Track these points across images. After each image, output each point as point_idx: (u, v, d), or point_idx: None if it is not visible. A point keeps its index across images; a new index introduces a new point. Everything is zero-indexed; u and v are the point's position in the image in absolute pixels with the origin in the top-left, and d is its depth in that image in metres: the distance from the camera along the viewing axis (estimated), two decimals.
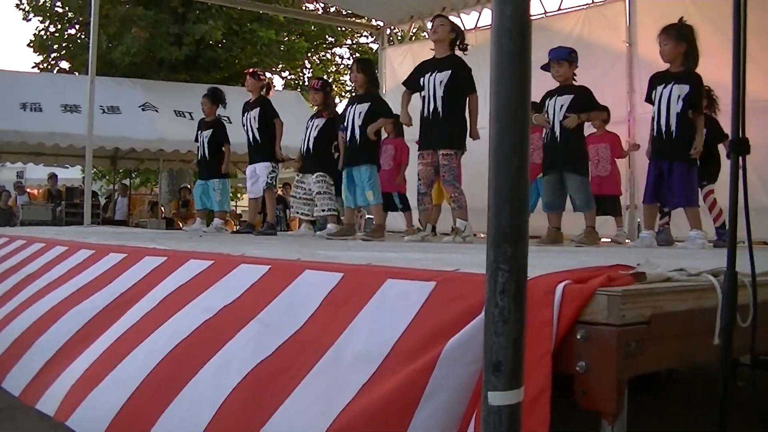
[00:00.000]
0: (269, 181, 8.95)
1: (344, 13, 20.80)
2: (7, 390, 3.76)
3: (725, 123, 7.99)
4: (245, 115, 9.14)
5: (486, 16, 12.02)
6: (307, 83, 28.32)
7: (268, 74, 24.08)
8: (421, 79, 6.90)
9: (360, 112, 7.47)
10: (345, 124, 7.63)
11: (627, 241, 8.59)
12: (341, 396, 2.33)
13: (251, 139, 9.05)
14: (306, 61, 27.98)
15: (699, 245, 6.01)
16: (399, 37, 13.94)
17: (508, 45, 1.63)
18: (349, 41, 29.41)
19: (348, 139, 7.56)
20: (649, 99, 6.57)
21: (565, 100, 6.81)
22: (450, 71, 6.73)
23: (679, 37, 6.23)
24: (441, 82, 6.72)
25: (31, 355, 3.81)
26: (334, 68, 30.27)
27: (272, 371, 2.60)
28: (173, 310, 3.33)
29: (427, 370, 2.19)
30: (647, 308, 2.17)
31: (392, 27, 13.93)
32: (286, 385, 2.50)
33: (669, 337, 2.26)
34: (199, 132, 9.86)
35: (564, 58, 6.89)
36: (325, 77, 8.66)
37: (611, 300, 2.09)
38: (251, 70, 9.52)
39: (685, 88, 6.16)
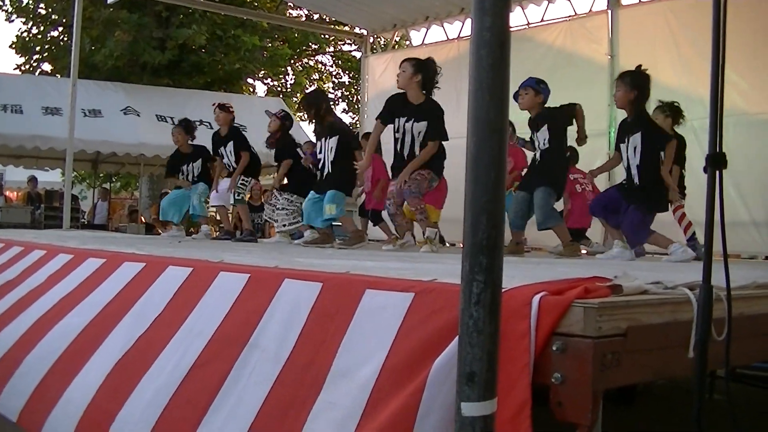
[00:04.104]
0: (237, 197, 9.03)
1: (328, 20, 20.81)
2: (2, 414, 3.63)
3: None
4: (219, 147, 9.19)
5: (470, 26, 12.02)
6: (289, 89, 28.33)
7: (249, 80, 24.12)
8: (396, 120, 6.86)
9: (331, 147, 7.62)
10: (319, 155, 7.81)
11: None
12: (346, 427, 2.34)
13: (228, 165, 9.16)
14: (289, 68, 27.94)
15: (679, 257, 6.02)
16: (382, 45, 13.93)
17: (487, 56, 1.63)
18: (332, 49, 29.42)
19: (321, 167, 7.74)
20: (617, 146, 6.63)
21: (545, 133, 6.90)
22: (427, 122, 6.73)
23: (632, 85, 6.26)
24: (419, 132, 6.74)
25: (22, 374, 3.71)
26: (317, 75, 30.27)
27: (280, 406, 2.58)
28: (167, 333, 3.27)
29: (418, 393, 2.20)
30: (623, 320, 2.18)
31: (375, 35, 13.93)
32: (295, 421, 2.48)
33: (645, 349, 2.26)
34: (186, 166, 9.84)
35: (530, 85, 6.90)
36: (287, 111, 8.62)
37: (587, 312, 2.09)
38: (219, 103, 9.48)
39: (637, 139, 6.19)
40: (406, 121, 6.78)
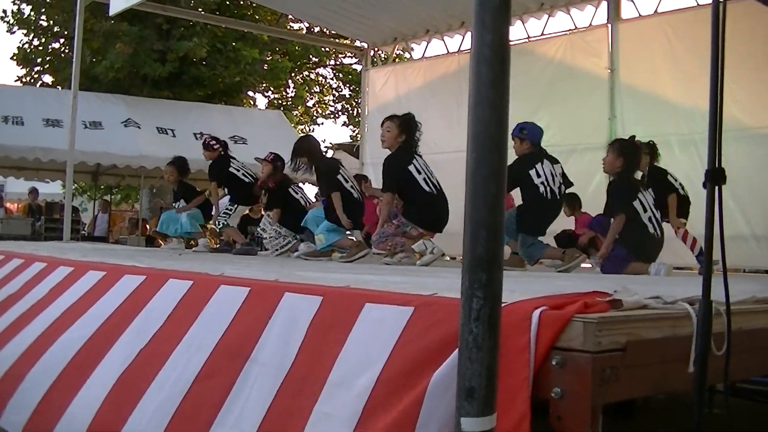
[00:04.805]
0: (218, 225, 9.15)
1: (328, 33, 20.85)
2: (5, 429, 3.60)
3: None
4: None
5: (470, 40, 12.01)
6: (290, 102, 28.37)
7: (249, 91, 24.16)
8: None
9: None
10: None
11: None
12: None
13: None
14: (289, 81, 27.97)
15: (664, 273, 6.05)
16: (383, 58, 13.96)
17: (487, 73, 1.64)
18: (332, 61, 29.47)
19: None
20: None
21: None
22: None
23: (620, 152, 6.45)
24: None
25: (25, 389, 3.69)
26: (318, 88, 30.32)
27: (281, 418, 2.58)
28: (168, 347, 3.27)
29: (417, 404, 2.21)
30: (623, 335, 2.18)
31: (376, 48, 13.96)
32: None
33: (644, 364, 2.27)
34: (176, 203, 10.02)
35: (514, 135, 6.85)
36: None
37: (587, 327, 2.10)
38: (204, 143, 9.53)
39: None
40: None
